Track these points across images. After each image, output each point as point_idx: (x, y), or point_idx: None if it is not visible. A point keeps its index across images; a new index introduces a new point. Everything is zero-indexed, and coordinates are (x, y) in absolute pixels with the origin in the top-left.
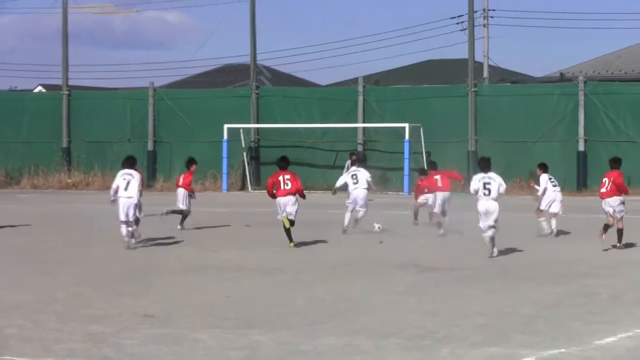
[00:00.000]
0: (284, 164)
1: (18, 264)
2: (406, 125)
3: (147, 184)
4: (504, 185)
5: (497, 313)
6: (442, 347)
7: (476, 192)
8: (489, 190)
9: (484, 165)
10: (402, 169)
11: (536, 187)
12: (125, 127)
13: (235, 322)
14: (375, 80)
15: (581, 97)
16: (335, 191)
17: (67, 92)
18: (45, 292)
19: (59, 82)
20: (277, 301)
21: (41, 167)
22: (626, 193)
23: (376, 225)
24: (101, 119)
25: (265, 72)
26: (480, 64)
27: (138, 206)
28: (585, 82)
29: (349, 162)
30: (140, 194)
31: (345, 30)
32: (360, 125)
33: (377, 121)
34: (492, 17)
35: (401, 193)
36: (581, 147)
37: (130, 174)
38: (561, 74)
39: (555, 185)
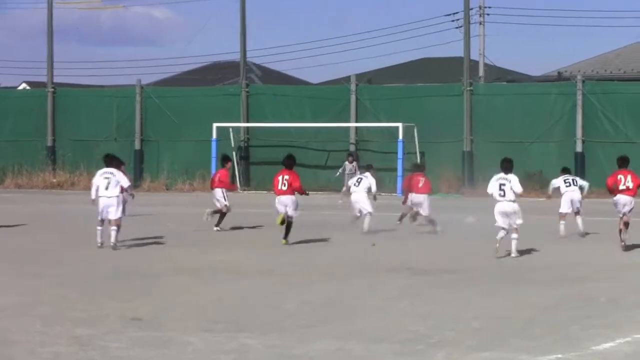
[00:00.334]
0: (289, 162)
1: (1, 265)
2: (400, 124)
3: (134, 184)
4: (518, 187)
5: (492, 317)
6: (437, 352)
7: (492, 193)
8: (504, 192)
9: (506, 166)
10: (395, 169)
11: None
12: (112, 126)
13: (225, 325)
14: (368, 78)
15: (579, 97)
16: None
17: (52, 89)
18: (30, 294)
19: (44, 79)
20: (267, 304)
21: (25, 166)
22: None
23: (470, 219)
24: (87, 117)
25: (255, 69)
26: (476, 63)
27: (121, 206)
28: (583, 81)
29: (346, 163)
30: (128, 191)
31: (337, 27)
32: (352, 124)
33: (370, 120)
34: (488, 14)
35: (394, 194)
36: (579, 148)
37: (111, 173)
38: (559, 73)
39: (569, 186)
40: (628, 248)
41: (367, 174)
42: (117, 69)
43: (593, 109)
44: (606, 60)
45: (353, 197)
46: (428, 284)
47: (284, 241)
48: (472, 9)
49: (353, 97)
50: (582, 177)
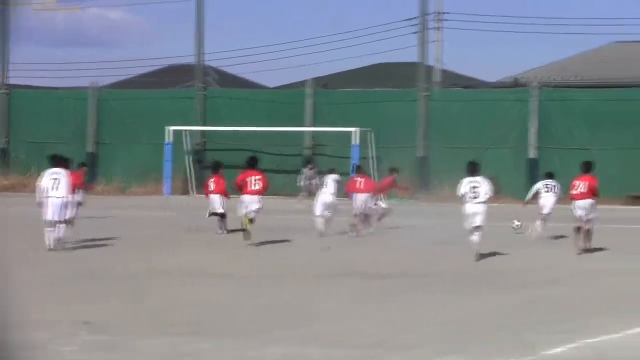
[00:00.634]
0: (253, 162)
1: None
2: (356, 129)
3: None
4: (490, 190)
5: (450, 321)
6: (395, 356)
7: (464, 195)
8: (477, 194)
9: (473, 169)
10: (348, 174)
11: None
12: (67, 128)
13: (180, 329)
14: (324, 83)
15: (535, 104)
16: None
17: (6, 91)
18: None
19: None
20: (225, 307)
21: None
22: (598, 197)
23: (516, 222)
24: (42, 119)
25: (213, 73)
26: (433, 68)
27: (70, 206)
28: (539, 88)
29: (305, 170)
30: (76, 191)
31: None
32: (308, 129)
33: (326, 125)
34: (446, 20)
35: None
36: (533, 155)
37: (59, 173)
38: (515, 79)
39: (547, 192)
40: (589, 251)
41: (334, 175)
42: (73, 71)
43: (549, 115)
44: (562, 67)
45: (320, 197)
46: (387, 288)
47: (247, 243)
48: (430, 14)
49: (309, 102)
50: (535, 183)
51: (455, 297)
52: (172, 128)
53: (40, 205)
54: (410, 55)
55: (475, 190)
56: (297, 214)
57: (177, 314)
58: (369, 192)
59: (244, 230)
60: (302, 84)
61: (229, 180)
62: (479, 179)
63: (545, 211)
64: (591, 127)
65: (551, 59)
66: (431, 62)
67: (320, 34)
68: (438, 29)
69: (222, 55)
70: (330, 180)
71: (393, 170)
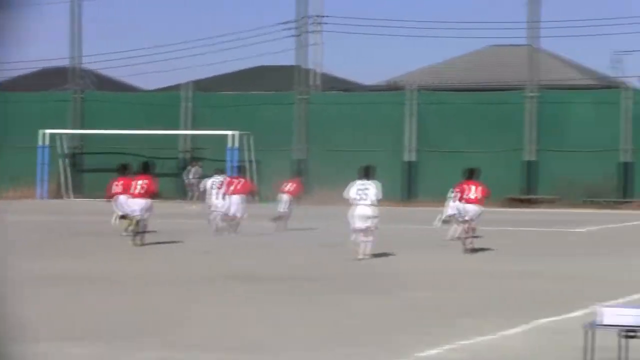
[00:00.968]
0: (146, 167)
1: None
2: (234, 132)
3: None
4: (379, 193)
5: (322, 324)
6: (264, 359)
7: (350, 197)
8: (365, 196)
9: (364, 172)
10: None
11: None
12: None
13: (48, 335)
14: (202, 86)
15: (411, 107)
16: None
17: None
18: None
19: None
20: (98, 312)
21: None
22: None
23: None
24: None
25: (90, 76)
26: (312, 71)
27: None
28: (416, 91)
29: (190, 167)
30: None
31: (173, 34)
32: (186, 132)
33: (204, 128)
34: (323, 23)
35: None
36: (410, 157)
37: None
38: (393, 82)
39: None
40: (474, 251)
41: (223, 176)
42: None
43: (425, 118)
44: (439, 70)
45: (212, 200)
46: (260, 291)
47: (136, 243)
48: (307, 17)
49: (187, 105)
50: (413, 185)
51: (331, 299)
52: (47, 131)
53: None
54: (288, 58)
55: (364, 193)
56: (176, 218)
57: (47, 319)
58: (244, 194)
59: (134, 232)
60: (181, 87)
61: (105, 183)
62: (368, 181)
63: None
64: (467, 130)
65: (428, 62)
66: (309, 65)
67: (198, 37)
68: (316, 32)
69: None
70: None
71: (298, 175)
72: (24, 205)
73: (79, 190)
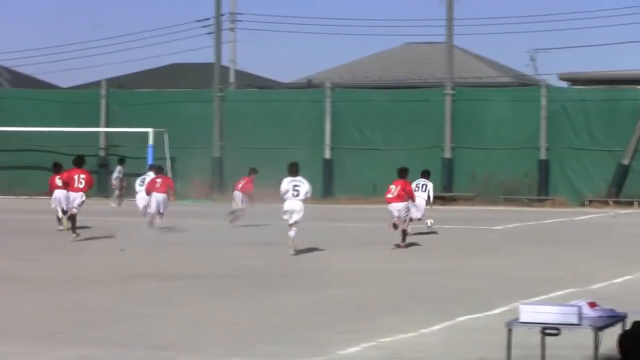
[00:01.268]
0: (79, 161)
1: None
2: (150, 130)
3: None
4: (310, 190)
5: (241, 322)
6: (183, 358)
7: (285, 193)
8: (298, 192)
9: (293, 169)
10: (144, 175)
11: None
12: None
13: None
14: (119, 83)
15: (328, 104)
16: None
17: None
18: None
19: None
20: (15, 311)
21: None
22: (413, 200)
23: (429, 222)
24: None
25: (4, 73)
26: (227, 69)
27: None
28: (332, 88)
29: (119, 167)
30: None
31: (89, 32)
32: (102, 129)
33: (121, 125)
34: (239, 20)
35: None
36: (327, 155)
37: None
38: (308, 80)
39: (416, 190)
40: (407, 246)
41: (150, 173)
42: None
43: (341, 116)
44: (354, 68)
45: (141, 194)
46: (178, 289)
47: (74, 235)
48: (223, 14)
49: (103, 102)
50: (330, 183)
51: (253, 297)
52: None
53: None
54: (205, 55)
55: (296, 189)
56: (97, 215)
57: None
58: (165, 192)
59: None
60: (96, 84)
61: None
62: (299, 178)
63: (415, 214)
64: (383, 128)
65: (344, 60)
66: (226, 62)
67: (114, 34)
68: (232, 29)
69: (14, 54)
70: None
71: (252, 171)
72: None
73: None
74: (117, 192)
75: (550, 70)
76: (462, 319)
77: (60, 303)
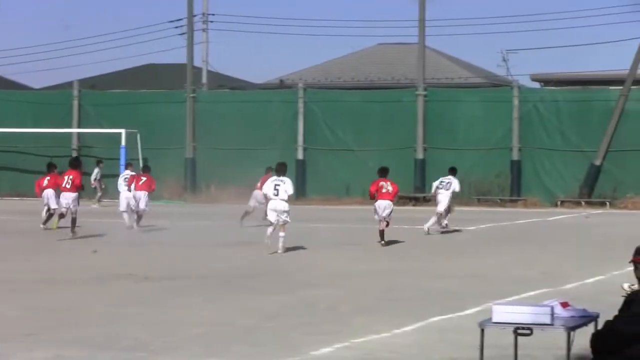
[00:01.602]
0: (75, 163)
1: None
2: (122, 131)
3: None
4: (291, 189)
5: (215, 323)
6: (159, 359)
7: (269, 193)
8: (278, 191)
9: (280, 169)
10: (118, 175)
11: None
12: None
13: None
14: (91, 84)
15: (300, 105)
16: None
17: None
18: None
19: None
20: None
21: None
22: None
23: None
24: None
25: None
26: (200, 70)
27: None
28: (305, 89)
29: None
30: None
31: (60, 32)
32: (75, 130)
33: (93, 126)
34: (211, 21)
35: (117, 200)
36: (300, 155)
37: None
38: (281, 80)
39: (440, 188)
40: (387, 244)
41: (128, 171)
42: None
43: (314, 116)
44: (327, 68)
45: (124, 194)
46: (152, 290)
47: (72, 234)
48: (195, 15)
49: (75, 103)
50: (303, 184)
51: (227, 297)
52: None
53: None
54: (177, 56)
55: (276, 188)
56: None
57: None
58: (148, 190)
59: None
60: (69, 85)
61: None
62: (283, 178)
63: (439, 207)
64: (356, 128)
65: (316, 60)
66: (198, 63)
67: (87, 35)
68: (204, 30)
69: None
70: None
71: (269, 169)
72: None
73: None
74: (99, 194)
75: (523, 71)
76: (435, 319)
77: (36, 303)
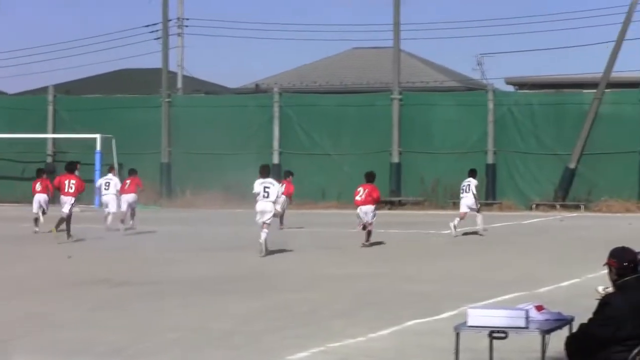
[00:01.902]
0: (72, 167)
1: None
2: (97, 136)
3: None
4: (281, 191)
5: (191, 328)
6: None
7: (257, 194)
8: (268, 194)
9: (264, 171)
10: (93, 181)
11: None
12: None
13: None
14: (66, 89)
15: (276, 109)
16: None
17: None
18: None
19: None
20: None
21: None
22: (379, 202)
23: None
24: None
25: None
26: (175, 74)
27: None
28: (280, 93)
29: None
30: None
31: (35, 37)
32: (50, 135)
33: (68, 132)
34: (187, 26)
35: (92, 206)
36: (276, 160)
37: None
38: (256, 85)
39: (462, 192)
40: (370, 245)
41: (110, 175)
42: None
43: (289, 121)
44: (302, 73)
45: (105, 198)
46: (127, 295)
47: (72, 237)
48: (170, 20)
49: (50, 108)
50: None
51: (202, 301)
52: None
53: None
54: (153, 61)
55: (267, 190)
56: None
57: None
58: (135, 191)
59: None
60: (43, 90)
61: None
62: (270, 180)
63: (462, 209)
64: (332, 132)
65: (292, 65)
66: (174, 68)
67: (61, 40)
68: (180, 34)
69: None
70: (112, 181)
71: (288, 173)
72: None
73: None
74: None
75: (497, 74)
76: (410, 323)
77: (9, 309)
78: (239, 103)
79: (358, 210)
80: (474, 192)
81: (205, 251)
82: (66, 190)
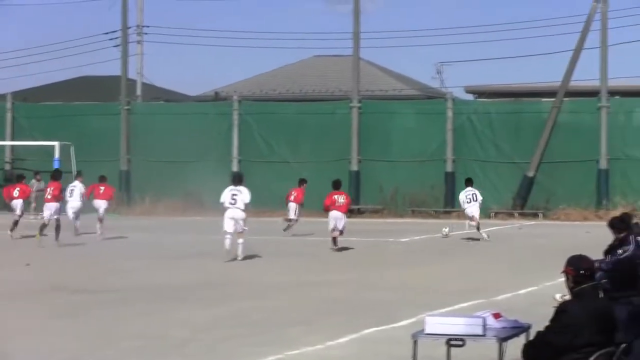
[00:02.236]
0: (57, 175)
1: None
2: (56, 143)
3: None
4: (248, 198)
5: (149, 336)
6: None
7: (225, 202)
8: (235, 200)
9: (236, 179)
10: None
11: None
12: None
13: None
14: (24, 96)
15: (235, 117)
16: None
17: None
18: None
19: None
20: None
21: None
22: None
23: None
24: None
25: None
26: (134, 82)
27: None
28: (240, 101)
29: (33, 181)
30: None
31: None
32: (8, 142)
33: (27, 139)
34: (146, 33)
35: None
36: (235, 168)
37: None
38: (216, 93)
39: (468, 202)
40: (339, 250)
41: (76, 182)
42: None
43: (249, 128)
44: (262, 80)
45: (70, 204)
46: (87, 303)
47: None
48: (130, 27)
49: (9, 115)
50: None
51: (160, 309)
52: None
53: None
54: (112, 68)
55: (234, 197)
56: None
57: None
58: (109, 199)
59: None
60: (1, 97)
61: None
62: (240, 187)
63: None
64: (291, 140)
65: (252, 73)
66: (133, 75)
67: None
68: (139, 42)
69: None
70: (75, 189)
71: (302, 181)
72: None
73: None
74: (33, 205)
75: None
76: (368, 331)
77: None
78: (199, 111)
79: (333, 215)
80: (480, 199)
81: (166, 259)
82: (46, 196)
